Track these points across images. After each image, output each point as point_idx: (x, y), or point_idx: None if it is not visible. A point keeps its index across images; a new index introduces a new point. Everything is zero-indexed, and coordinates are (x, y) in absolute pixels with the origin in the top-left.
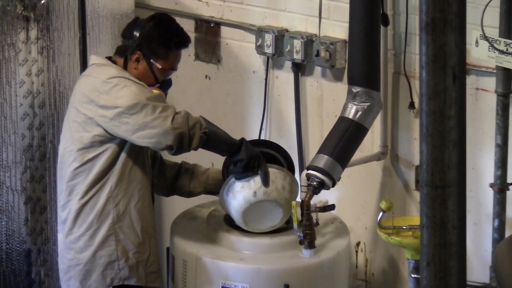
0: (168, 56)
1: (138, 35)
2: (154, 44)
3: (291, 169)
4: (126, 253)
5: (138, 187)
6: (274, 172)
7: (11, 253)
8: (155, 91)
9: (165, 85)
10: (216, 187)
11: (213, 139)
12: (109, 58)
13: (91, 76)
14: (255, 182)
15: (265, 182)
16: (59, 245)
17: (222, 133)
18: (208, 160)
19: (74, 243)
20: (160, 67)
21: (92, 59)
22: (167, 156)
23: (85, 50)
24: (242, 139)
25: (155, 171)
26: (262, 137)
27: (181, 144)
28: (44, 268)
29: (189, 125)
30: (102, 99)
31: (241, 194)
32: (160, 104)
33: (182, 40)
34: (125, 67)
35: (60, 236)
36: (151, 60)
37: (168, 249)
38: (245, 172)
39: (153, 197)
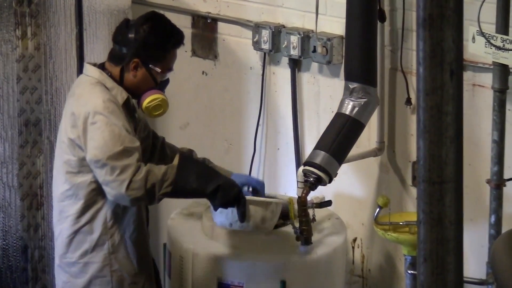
0: (166, 58)
1: (133, 41)
2: (152, 49)
3: None
4: (122, 283)
5: (133, 218)
6: (253, 208)
7: (8, 249)
8: (154, 96)
9: (162, 84)
10: None
11: (182, 192)
12: (103, 65)
13: (81, 99)
14: (233, 214)
15: (241, 219)
16: (55, 259)
17: (194, 183)
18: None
19: (69, 267)
20: (159, 70)
21: (86, 69)
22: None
23: (82, 46)
24: (219, 186)
25: (154, 160)
26: (259, 134)
27: (140, 203)
28: (40, 264)
29: (146, 188)
30: (81, 133)
31: (218, 218)
32: (119, 165)
33: (179, 39)
34: (121, 76)
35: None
36: (150, 65)
37: (164, 245)
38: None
39: (148, 220)
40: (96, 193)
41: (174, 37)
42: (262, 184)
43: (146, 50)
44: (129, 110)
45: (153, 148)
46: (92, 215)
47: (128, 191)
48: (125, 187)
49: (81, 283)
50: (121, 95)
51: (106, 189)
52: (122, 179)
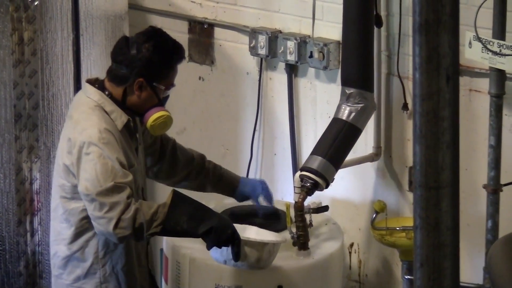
0: (169, 75)
1: (137, 60)
2: (156, 68)
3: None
4: None
5: (126, 251)
6: (248, 249)
7: (4, 255)
8: (159, 114)
9: (164, 100)
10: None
11: (172, 232)
12: (103, 85)
13: (78, 126)
14: (227, 252)
15: (235, 259)
16: (52, 279)
17: (185, 224)
18: None
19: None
20: (163, 88)
21: (86, 89)
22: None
23: (78, 51)
24: (211, 228)
25: (165, 164)
26: (256, 139)
27: (128, 240)
28: (37, 270)
29: (134, 227)
30: (75, 161)
31: (213, 253)
32: (108, 202)
33: (181, 54)
34: (124, 96)
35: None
36: (154, 84)
37: (161, 250)
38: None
39: (147, 254)
40: (88, 221)
41: (177, 53)
42: (270, 197)
43: (150, 69)
44: (130, 131)
45: (163, 152)
46: (83, 243)
47: (115, 230)
48: (113, 226)
49: None
50: (121, 118)
51: (94, 223)
52: (110, 216)
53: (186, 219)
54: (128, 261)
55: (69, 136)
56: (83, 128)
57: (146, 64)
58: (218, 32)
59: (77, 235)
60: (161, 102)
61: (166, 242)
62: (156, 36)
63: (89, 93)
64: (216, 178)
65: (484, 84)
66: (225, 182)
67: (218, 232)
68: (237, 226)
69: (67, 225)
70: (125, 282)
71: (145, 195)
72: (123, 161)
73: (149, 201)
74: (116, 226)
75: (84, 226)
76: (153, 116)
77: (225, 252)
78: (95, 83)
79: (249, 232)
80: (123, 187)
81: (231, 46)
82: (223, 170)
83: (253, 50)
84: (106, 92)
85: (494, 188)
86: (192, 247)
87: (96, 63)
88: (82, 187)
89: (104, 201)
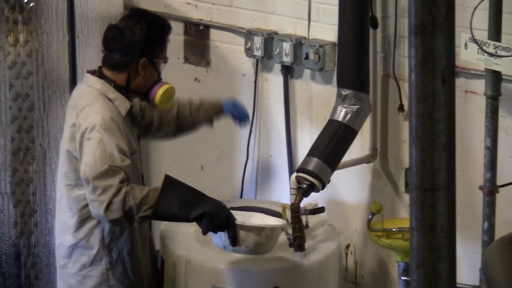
0: (164, 47)
1: (134, 43)
2: (154, 44)
3: None
4: None
5: (131, 236)
6: (244, 233)
7: (1, 257)
8: (164, 88)
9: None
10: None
11: (163, 216)
12: (103, 75)
13: (82, 113)
14: (226, 237)
15: (232, 244)
16: (57, 270)
17: (176, 209)
18: (198, 164)
19: (68, 278)
20: (161, 61)
21: (87, 79)
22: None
23: (74, 53)
24: (203, 213)
25: (153, 128)
26: (252, 140)
27: (120, 224)
28: (33, 271)
29: (124, 210)
30: (78, 147)
31: (214, 239)
32: (101, 186)
33: (169, 25)
34: (128, 80)
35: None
36: (155, 60)
37: (157, 252)
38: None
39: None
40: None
41: (166, 25)
42: (246, 116)
43: (149, 47)
44: (132, 118)
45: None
46: (88, 231)
47: (106, 212)
48: (104, 208)
49: None
50: (124, 105)
51: (90, 207)
52: (102, 200)
53: (177, 204)
54: (133, 246)
55: (74, 122)
56: (87, 115)
57: (145, 44)
58: (213, 33)
59: (81, 223)
60: (160, 77)
61: (162, 244)
62: (144, 15)
63: (91, 82)
64: (196, 106)
65: (480, 85)
66: (206, 105)
67: (211, 217)
68: (243, 213)
69: (70, 214)
70: (131, 267)
71: (145, 182)
72: (123, 147)
73: (143, 186)
74: (107, 208)
75: (87, 213)
76: (159, 92)
77: (224, 237)
78: (94, 74)
79: (255, 219)
80: (117, 171)
81: (227, 47)
82: (203, 100)
83: (248, 52)
84: (109, 81)
85: (490, 190)
86: (188, 249)
87: (92, 64)
88: (82, 172)
89: (97, 184)
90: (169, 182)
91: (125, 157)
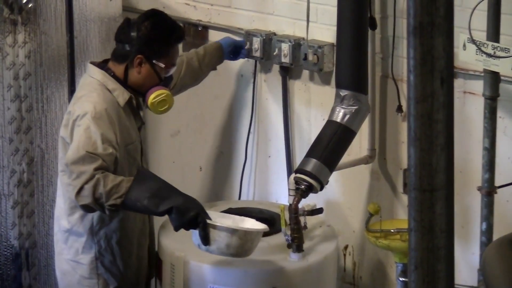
0: (169, 53)
1: (136, 38)
2: (155, 44)
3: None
4: (107, 287)
5: (120, 225)
6: (215, 232)
7: None
8: (159, 92)
9: (167, 81)
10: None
11: (133, 207)
12: (106, 65)
13: (78, 102)
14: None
15: (203, 243)
16: (55, 258)
17: (145, 201)
18: (196, 165)
19: (63, 264)
20: (163, 65)
21: (89, 69)
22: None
23: (72, 53)
24: (172, 208)
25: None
26: (250, 141)
27: (92, 211)
28: (32, 272)
29: (94, 197)
30: (69, 133)
31: (192, 236)
32: (76, 171)
33: (180, 34)
34: (125, 73)
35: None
36: (154, 61)
37: (156, 252)
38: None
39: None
40: None
41: (176, 31)
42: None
43: (149, 46)
44: (133, 109)
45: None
46: (78, 218)
47: (77, 197)
48: (75, 193)
49: (72, 282)
50: (123, 95)
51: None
52: (75, 184)
53: (147, 196)
54: (124, 236)
55: (69, 109)
56: (82, 102)
57: (145, 41)
58: (212, 34)
59: (72, 209)
60: (163, 82)
61: (160, 245)
62: (155, 15)
63: (92, 73)
64: (201, 56)
65: (478, 86)
66: (210, 52)
67: (180, 212)
68: (235, 217)
69: (63, 200)
70: (120, 256)
71: None
72: (110, 137)
73: (119, 176)
74: (78, 193)
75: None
76: (153, 94)
77: (197, 235)
78: (99, 65)
79: (245, 224)
80: (95, 158)
81: None
82: (204, 48)
83: (247, 52)
84: (109, 71)
85: (489, 190)
86: (186, 250)
87: None
88: (66, 156)
89: (73, 169)
90: (143, 174)
91: (109, 147)
